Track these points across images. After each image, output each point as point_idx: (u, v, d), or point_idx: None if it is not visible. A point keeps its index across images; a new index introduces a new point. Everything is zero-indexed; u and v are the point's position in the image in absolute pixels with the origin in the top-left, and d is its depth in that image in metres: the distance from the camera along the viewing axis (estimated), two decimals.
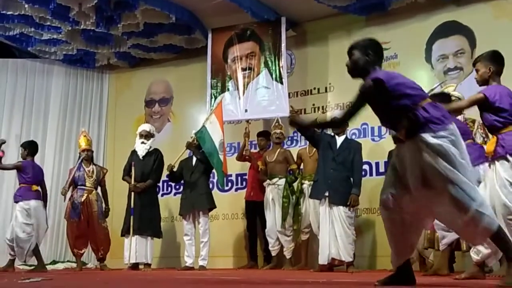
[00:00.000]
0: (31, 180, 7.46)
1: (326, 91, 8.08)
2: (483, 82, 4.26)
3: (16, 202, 7.47)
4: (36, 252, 7.41)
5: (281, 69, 7.91)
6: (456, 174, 3.07)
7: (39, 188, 7.54)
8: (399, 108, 3.24)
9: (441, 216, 3.24)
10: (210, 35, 8.53)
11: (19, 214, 7.34)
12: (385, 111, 3.37)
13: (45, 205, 7.60)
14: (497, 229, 3.11)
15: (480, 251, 4.32)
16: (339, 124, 3.45)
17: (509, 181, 4.03)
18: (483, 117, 4.20)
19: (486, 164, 4.41)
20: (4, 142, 7.50)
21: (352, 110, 3.42)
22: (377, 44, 3.51)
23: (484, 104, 4.09)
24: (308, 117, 7.54)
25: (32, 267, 7.57)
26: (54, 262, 8.83)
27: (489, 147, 4.17)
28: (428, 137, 3.13)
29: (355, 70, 3.46)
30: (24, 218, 7.31)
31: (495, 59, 4.29)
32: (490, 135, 4.35)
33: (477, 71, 4.32)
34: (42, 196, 7.57)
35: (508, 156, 4.05)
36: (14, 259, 7.44)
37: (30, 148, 7.68)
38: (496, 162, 4.12)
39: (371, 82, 3.26)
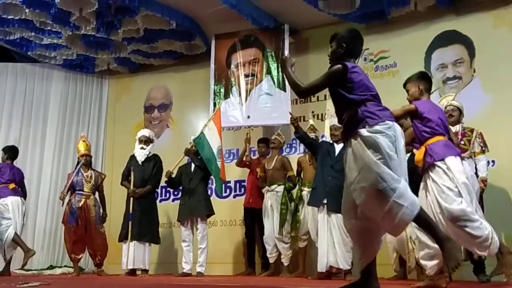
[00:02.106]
0: (7, 180, 7.67)
1: (325, 98, 8.06)
2: (414, 100, 4.59)
3: None
4: (17, 240, 7.50)
5: (283, 76, 7.91)
6: (379, 165, 3.17)
7: (16, 187, 7.71)
8: (348, 101, 3.37)
9: (367, 208, 3.29)
10: (213, 41, 8.54)
11: None
12: (337, 102, 3.50)
13: (23, 202, 7.76)
14: (417, 216, 3.20)
15: (426, 265, 4.41)
16: (300, 91, 3.60)
17: (445, 186, 4.21)
18: (414, 127, 4.52)
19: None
20: None
21: (316, 86, 3.56)
22: (354, 37, 3.62)
23: (414, 115, 4.45)
24: (307, 125, 7.53)
25: (29, 272, 7.57)
26: (51, 267, 8.81)
27: (418, 156, 4.43)
28: (363, 131, 3.26)
29: (331, 60, 3.61)
30: (1, 213, 7.51)
31: (424, 78, 4.69)
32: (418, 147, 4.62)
33: (407, 91, 4.67)
34: (22, 194, 7.80)
35: (438, 163, 4.28)
36: (9, 263, 7.51)
37: (10, 152, 7.96)
38: (429, 171, 4.33)
39: (340, 66, 3.39)
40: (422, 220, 3.30)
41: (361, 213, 3.34)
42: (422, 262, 4.45)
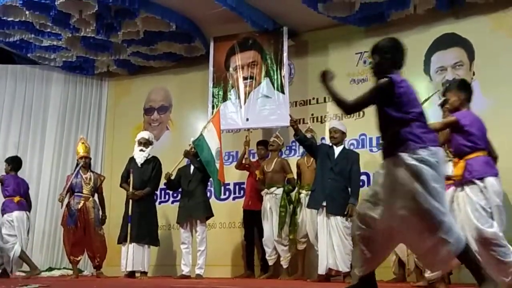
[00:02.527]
0: (12, 193, 7.70)
1: (325, 101, 8.09)
2: (454, 109, 4.48)
3: (2, 215, 7.72)
4: (23, 257, 7.53)
5: (282, 78, 7.92)
6: (427, 198, 3.09)
7: (21, 199, 7.73)
8: (393, 119, 3.27)
9: (407, 239, 3.25)
10: (212, 44, 8.54)
11: (3, 226, 7.61)
12: (381, 117, 3.40)
13: (28, 217, 7.80)
14: (462, 251, 3.11)
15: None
16: (346, 109, 3.42)
17: (480, 205, 4.15)
18: (453, 140, 4.39)
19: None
20: None
21: (362, 103, 3.42)
22: (397, 47, 3.52)
23: (455, 127, 4.32)
24: (306, 127, 7.53)
25: (28, 273, 7.57)
26: (50, 269, 8.80)
27: (458, 171, 4.31)
28: (406, 156, 3.16)
29: (376, 73, 3.49)
30: (7, 229, 7.56)
31: (464, 87, 4.58)
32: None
33: (447, 100, 4.59)
34: (27, 206, 7.83)
35: (476, 181, 4.21)
36: (5, 268, 7.57)
37: (13, 163, 7.96)
38: (466, 187, 4.26)
39: (386, 80, 3.28)
40: (468, 257, 3.17)
41: (379, 223, 3.28)
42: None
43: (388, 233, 3.29)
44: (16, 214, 7.59)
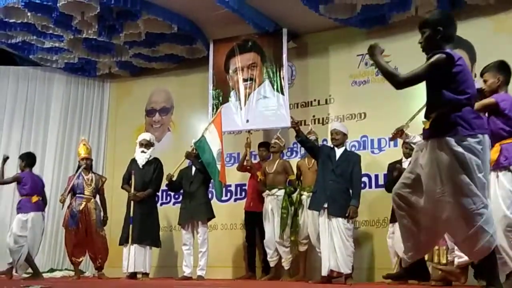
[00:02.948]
0: (30, 191, 7.57)
1: (326, 103, 8.11)
2: (492, 91, 4.27)
3: (18, 213, 7.62)
4: (29, 261, 7.47)
5: (282, 80, 7.93)
6: (471, 187, 3.05)
7: (39, 198, 7.63)
8: (444, 99, 3.15)
9: (446, 224, 3.19)
10: (211, 46, 8.55)
11: (15, 225, 7.50)
12: (431, 95, 3.26)
13: (43, 217, 7.74)
14: (493, 250, 3.09)
15: (460, 256, 4.32)
16: (397, 83, 3.19)
17: None
18: (490, 123, 4.17)
19: None
20: (7, 158, 7.71)
21: (416, 78, 3.20)
22: (450, 20, 3.34)
23: (494, 110, 4.14)
24: (307, 129, 7.55)
25: (29, 275, 7.58)
26: (52, 270, 8.80)
27: (493, 155, 4.08)
28: (452, 142, 3.08)
29: (426, 48, 3.32)
30: (19, 230, 7.45)
31: (503, 68, 4.33)
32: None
33: (485, 81, 4.33)
34: (44, 206, 7.73)
35: (511, 167, 4.07)
36: (12, 267, 7.54)
37: (28, 159, 7.85)
38: (499, 172, 4.12)
39: (444, 55, 3.12)
40: (493, 258, 3.14)
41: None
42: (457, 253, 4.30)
43: (430, 217, 3.23)
44: (32, 215, 7.47)
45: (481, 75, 4.39)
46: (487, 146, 3.16)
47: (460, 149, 3.07)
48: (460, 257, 4.42)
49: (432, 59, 3.15)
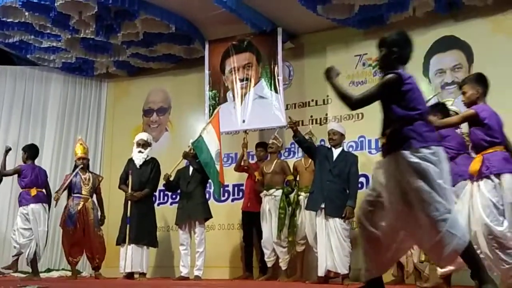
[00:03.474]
0: (29, 184, 7.52)
1: (324, 103, 8.11)
2: (471, 103, 4.36)
3: (20, 207, 7.59)
4: (32, 262, 7.41)
5: (277, 79, 7.93)
6: (431, 195, 3.10)
7: (41, 191, 7.57)
8: (396, 115, 3.25)
9: (413, 235, 3.24)
10: (207, 47, 8.55)
11: (18, 219, 7.49)
12: (384, 113, 3.37)
13: (48, 208, 7.64)
14: (466, 248, 3.12)
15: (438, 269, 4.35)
16: (351, 104, 3.34)
17: (492, 202, 4.10)
18: (471, 135, 4.30)
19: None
20: (10, 149, 7.73)
21: (369, 98, 3.34)
22: (406, 41, 3.44)
23: (474, 121, 4.22)
24: (305, 129, 7.55)
25: (26, 274, 7.57)
26: (48, 270, 8.79)
27: (474, 166, 4.24)
28: (408, 154, 3.15)
29: (381, 67, 3.46)
30: (23, 223, 7.42)
31: (482, 81, 4.43)
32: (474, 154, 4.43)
33: (464, 93, 4.42)
34: (46, 198, 7.63)
35: (492, 177, 4.15)
36: (17, 260, 7.53)
37: (30, 151, 7.78)
38: (480, 181, 4.20)
39: (394, 76, 3.24)
40: (471, 254, 3.19)
41: (388, 227, 3.28)
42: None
43: (393, 233, 3.29)
44: (32, 206, 7.42)
45: (460, 87, 4.50)
46: (442, 157, 3.22)
47: (416, 159, 3.14)
48: (442, 267, 4.45)
49: (383, 80, 3.30)
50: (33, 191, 7.49)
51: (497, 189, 4.12)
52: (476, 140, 4.26)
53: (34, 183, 7.54)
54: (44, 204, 7.58)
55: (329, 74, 3.43)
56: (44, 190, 7.64)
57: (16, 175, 7.75)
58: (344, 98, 3.34)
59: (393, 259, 3.50)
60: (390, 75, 3.25)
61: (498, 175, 4.15)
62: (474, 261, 3.21)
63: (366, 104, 3.38)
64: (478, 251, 3.92)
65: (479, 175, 4.20)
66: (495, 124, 4.23)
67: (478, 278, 3.21)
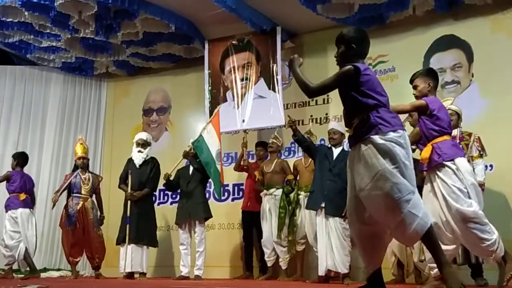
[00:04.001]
0: (18, 189, 7.70)
1: (324, 102, 8.10)
2: (422, 96, 4.47)
3: (6, 211, 7.73)
4: (26, 259, 7.52)
5: (276, 79, 7.92)
6: (395, 175, 3.19)
7: (28, 196, 7.74)
8: (360, 105, 3.33)
9: (379, 217, 3.31)
10: (206, 47, 8.55)
11: (7, 222, 7.64)
12: (347, 105, 3.45)
13: (32, 213, 7.81)
14: (427, 231, 3.22)
15: (433, 267, 4.36)
16: (309, 91, 3.45)
17: (455, 186, 4.18)
18: (421, 125, 4.42)
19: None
20: None
21: (326, 87, 3.46)
22: (363, 38, 3.55)
23: (423, 111, 4.36)
24: (305, 128, 7.55)
25: (25, 274, 7.58)
26: (45, 270, 8.75)
27: (424, 154, 4.34)
28: (376, 138, 3.25)
29: (340, 62, 3.53)
30: (12, 226, 7.59)
31: (432, 75, 4.58)
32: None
33: (415, 87, 4.54)
34: (32, 203, 7.84)
35: (448, 163, 4.24)
36: (11, 267, 7.61)
37: (20, 159, 7.97)
38: (437, 171, 4.28)
39: (352, 67, 3.32)
40: (432, 237, 3.28)
41: (369, 218, 3.36)
42: (430, 265, 4.42)
43: (375, 227, 3.39)
44: (20, 210, 7.61)
45: (411, 81, 4.59)
46: (408, 143, 3.35)
47: (383, 141, 3.24)
48: (435, 268, 4.46)
49: (339, 71, 3.40)
50: (22, 196, 7.68)
51: (457, 174, 4.21)
52: (426, 130, 4.38)
53: (22, 189, 7.74)
54: (31, 210, 7.79)
55: (292, 63, 3.59)
56: (29, 196, 7.82)
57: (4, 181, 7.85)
58: (304, 85, 3.44)
59: (383, 247, 3.56)
60: (347, 67, 3.35)
61: (452, 161, 4.24)
62: (434, 243, 3.30)
63: (323, 93, 3.59)
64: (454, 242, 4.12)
65: (431, 164, 4.30)
66: (444, 115, 4.37)
67: (437, 260, 3.31)
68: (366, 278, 3.53)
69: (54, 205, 7.58)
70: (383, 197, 3.18)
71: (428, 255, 4.35)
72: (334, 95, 8.05)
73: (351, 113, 3.41)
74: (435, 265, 4.27)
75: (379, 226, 3.36)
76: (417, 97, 4.52)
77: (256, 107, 8.03)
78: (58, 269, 8.84)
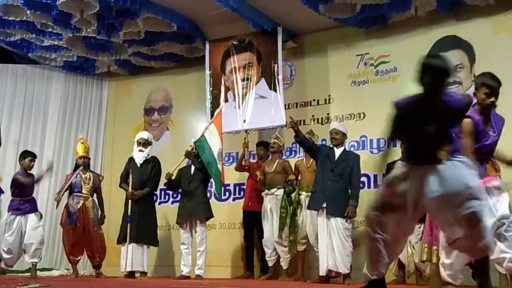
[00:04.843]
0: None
1: (325, 102, 8.10)
2: None
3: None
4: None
5: (277, 79, 7.92)
6: (479, 191, 3.34)
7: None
8: (450, 135, 3.46)
9: (450, 228, 3.39)
10: (207, 47, 8.54)
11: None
12: (438, 133, 3.45)
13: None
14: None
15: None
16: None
17: None
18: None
19: None
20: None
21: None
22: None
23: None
24: (307, 128, 7.55)
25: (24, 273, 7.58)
26: (43, 269, 8.74)
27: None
28: (460, 158, 3.43)
29: (438, 92, 3.47)
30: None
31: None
32: None
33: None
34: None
35: None
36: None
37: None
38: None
39: (472, 97, 3.69)
40: (488, 258, 3.48)
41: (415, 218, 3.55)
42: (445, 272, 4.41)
43: (401, 237, 3.56)
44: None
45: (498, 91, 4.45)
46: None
47: (465, 160, 3.43)
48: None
49: (469, 99, 3.65)
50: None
51: None
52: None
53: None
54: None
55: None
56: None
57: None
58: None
59: (391, 261, 3.69)
60: (469, 97, 3.71)
61: None
62: (487, 264, 3.49)
63: None
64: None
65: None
66: None
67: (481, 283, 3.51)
68: (367, 281, 3.57)
69: (57, 204, 7.58)
70: (473, 210, 3.26)
71: (443, 258, 4.33)
72: (336, 95, 8.08)
73: (437, 139, 3.47)
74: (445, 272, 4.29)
75: (398, 237, 3.51)
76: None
77: (257, 107, 8.03)
78: (52, 269, 8.79)
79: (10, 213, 7.35)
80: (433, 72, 3.34)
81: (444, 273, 4.41)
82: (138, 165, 7.67)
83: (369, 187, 7.45)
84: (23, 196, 7.42)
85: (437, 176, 3.36)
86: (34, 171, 7.67)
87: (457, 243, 3.42)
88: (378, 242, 3.47)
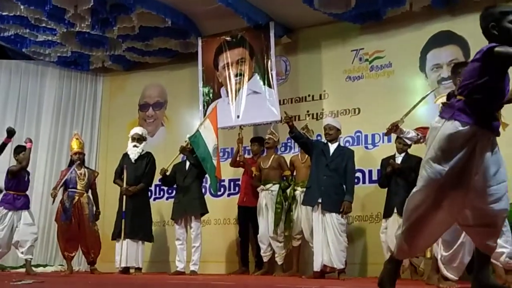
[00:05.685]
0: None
1: (320, 98, 8.10)
2: None
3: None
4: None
5: (271, 74, 7.91)
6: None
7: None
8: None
9: (474, 212, 3.11)
10: (200, 43, 8.53)
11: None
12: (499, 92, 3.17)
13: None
14: None
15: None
16: None
17: None
18: None
19: None
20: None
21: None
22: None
23: None
24: (301, 124, 7.55)
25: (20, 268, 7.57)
26: (37, 265, 8.73)
27: None
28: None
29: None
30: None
31: None
32: None
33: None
34: None
35: None
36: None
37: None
38: None
39: None
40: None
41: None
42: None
43: (453, 216, 3.17)
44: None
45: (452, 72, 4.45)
46: None
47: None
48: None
49: None
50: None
51: None
52: None
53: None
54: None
55: None
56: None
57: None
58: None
59: (430, 244, 3.49)
60: None
61: None
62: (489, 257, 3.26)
63: None
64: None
65: None
66: None
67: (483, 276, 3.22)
68: (391, 259, 3.33)
69: (54, 200, 7.55)
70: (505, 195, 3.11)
71: (442, 251, 4.31)
72: (330, 90, 8.09)
73: (498, 100, 3.18)
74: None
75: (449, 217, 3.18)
76: None
77: (251, 103, 8.01)
78: (47, 265, 8.78)
79: (2, 207, 7.31)
80: None
81: (442, 267, 4.42)
82: (133, 160, 7.66)
83: (364, 182, 7.46)
84: (18, 190, 7.39)
85: (492, 157, 3.08)
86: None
87: (474, 228, 3.16)
88: (424, 216, 3.13)
